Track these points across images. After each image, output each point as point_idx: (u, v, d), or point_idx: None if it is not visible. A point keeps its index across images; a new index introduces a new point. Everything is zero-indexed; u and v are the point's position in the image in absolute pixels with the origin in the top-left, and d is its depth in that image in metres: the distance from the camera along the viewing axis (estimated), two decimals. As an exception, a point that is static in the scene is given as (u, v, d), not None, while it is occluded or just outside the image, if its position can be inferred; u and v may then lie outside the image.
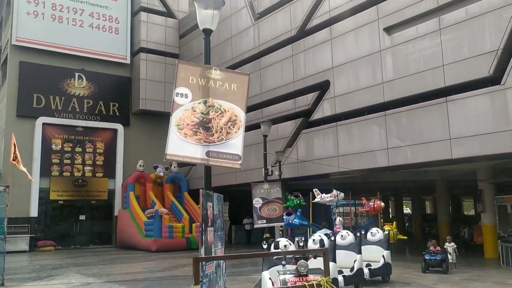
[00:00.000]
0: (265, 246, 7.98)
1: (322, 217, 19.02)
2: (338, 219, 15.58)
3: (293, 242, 8.13)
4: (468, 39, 13.61)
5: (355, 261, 9.93)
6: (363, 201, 17.03)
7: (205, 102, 5.39)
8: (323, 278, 4.73)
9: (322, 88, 18.90)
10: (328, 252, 5.57)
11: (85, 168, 26.46)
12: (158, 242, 21.68)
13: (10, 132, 19.43)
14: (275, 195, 13.49)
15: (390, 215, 38.30)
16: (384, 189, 29.58)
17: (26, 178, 16.69)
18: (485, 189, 16.76)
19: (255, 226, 13.74)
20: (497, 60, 12.83)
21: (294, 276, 5.89)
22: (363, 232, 11.38)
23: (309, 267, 6.09)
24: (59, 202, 25.77)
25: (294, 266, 6.28)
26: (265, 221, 13.16)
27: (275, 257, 7.43)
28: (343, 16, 17.99)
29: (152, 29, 28.77)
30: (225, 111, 5.44)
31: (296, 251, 7.32)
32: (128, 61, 28.63)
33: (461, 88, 13.82)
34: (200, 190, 5.03)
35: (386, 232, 12.07)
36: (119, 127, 27.65)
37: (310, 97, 19.40)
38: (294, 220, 15.55)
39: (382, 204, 16.43)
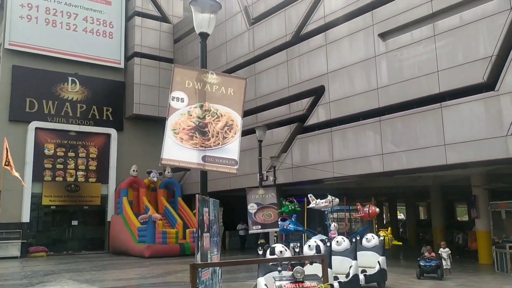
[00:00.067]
0: (260, 252, 7.92)
1: (317, 222, 18.97)
2: (333, 225, 15.53)
3: (288, 248, 8.08)
4: (463, 45, 13.68)
5: (350, 267, 9.87)
6: (358, 207, 17.00)
7: (201, 107, 5.33)
8: (322, 285, 4.66)
9: (317, 93, 18.91)
10: (325, 258, 5.51)
11: (78, 173, 26.28)
12: (151, 248, 21.51)
13: (2, 137, 19.25)
14: (270, 200, 13.42)
15: (384, 221, 38.32)
16: (378, 194, 29.60)
17: (18, 183, 16.54)
18: (479, 195, 16.79)
19: (250, 231, 13.65)
20: (491, 66, 12.90)
21: (290, 283, 5.82)
22: (358, 238, 11.34)
23: (305, 273, 6.03)
24: (52, 207, 25.56)
25: (290, 272, 6.21)
26: (260, 226, 13.08)
27: (270, 263, 7.36)
28: (338, 22, 18.04)
29: (146, 33, 28.71)
30: (221, 115, 5.38)
31: (294, 257, 7.26)
32: (122, 65, 28.54)
33: (455, 94, 13.87)
34: (196, 195, 4.96)
35: (382, 238, 12.03)
36: (113, 131, 27.50)
37: (305, 102, 19.40)
38: (289, 225, 15.48)
39: (377, 209, 16.43)
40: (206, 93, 5.38)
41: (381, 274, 11.11)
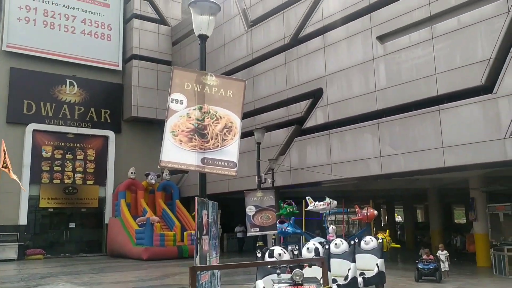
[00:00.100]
0: (259, 255, 7.89)
1: (315, 225, 18.96)
2: (331, 227, 15.52)
3: (287, 251, 8.05)
4: (461, 48, 13.71)
5: (349, 269, 9.83)
6: (356, 209, 16.98)
7: (200, 109, 5.31)
8: (321, 288, 4.64)
9: (315, 96, 18.92)
10: (324, 261, 5.49)
11: (75, 175, 26.21)
12: (149, 250, 21.46)
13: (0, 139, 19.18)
14: (269, 203, 13.39)
15: (382, 223, 38.32)
16: (376, 197, 29.61)
17: (15, 185, 16.45)
18: (477, 198, 16.81)
19: (248, 234, 13.62)
20: (489, 69, 12.93)
21: (289, 285, 5.79)
22: (357, 241, 11.31)
23: (304, 276, 6.00)
24: (49, 209, 25.46)
25: (289, 275, 6.19)
26: (258, 229, 13.05)
27: (269, 266, 7.33)
28: (336, 25, 18.07)
29: (145, 36, 28.69)
30: (220, 117, 5.37)
31: (294, 260, 7.23)
32: (120, 67, 28.52)
33: (453, 97, 13.89)
34: (196, 197, 4.94)
35: (380, 241, 12.00)
36: (111, 134, 27.44)
37: (303, 104, 19.41)
38: (287, 228, 15.45)
39: (375, 212, 16.39)
40: (205, 95, 5.37)
41: (380, 277, 11.08)
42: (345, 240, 10.79)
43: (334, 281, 9.19)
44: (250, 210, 13.15)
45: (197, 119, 5.25)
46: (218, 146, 5.25)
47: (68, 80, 26.86)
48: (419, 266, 13.01)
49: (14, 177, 13.69)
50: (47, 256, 23.78)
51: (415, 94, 14.82)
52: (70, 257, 24.47)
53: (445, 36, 14.14)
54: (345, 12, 17.70)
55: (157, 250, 21.70)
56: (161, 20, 29.79)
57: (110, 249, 24.92)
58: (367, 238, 11.85)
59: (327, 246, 8.85)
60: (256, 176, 16.21)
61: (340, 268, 9.82)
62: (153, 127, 28.66)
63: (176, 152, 5.06)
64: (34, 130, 25.14)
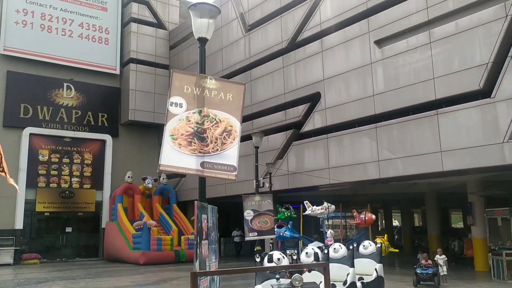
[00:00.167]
0: (258, 259, 7.82)
1: (312, 229, 18.91)
2: (330, 232, 15.47)
3: (286, 255, 7.99)
4: (459, 53, 13.73)
5: (348, 274, 9.78)
6: (354, 214, 16.95)
7: (200, 112, 5.28)
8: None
9: (313, 100, 18.91)
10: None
11: (72, 179, 26.07)
12: (146, 255, 21.35)
13: (-4, 142, 19.06)
14: (267, 207, 13.32)
15: (379, 228, 38.27)
16: (373, 201, 29.57)
17: (11, 189, 16.36)
18: (475, 202, 16.80)
19: (247, 238, 13.54)
20: (487, 73, 12.95)
21: (289, 291, 5.75)
22: (355, 245, 11.26)
23: (304, 281, 5.95)
24: (45, 214, 25.32)
25: (288, 280, 6.14)
26: (256, 233, 12.98)
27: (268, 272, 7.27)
28: (334, 29, 18.08)
29: (142, 40, 28.66)
30: (220, 121, 5.33)
31: (295, 265, 7.18)
32: (117, 71, 28.46)
33: (451, 101, 13.90)
34: (195, 201, 4.89)
35: (379, 245, 11.95)
36: (108, 138, 27.34)
37: (301, 109, 19.39)
38: (285, 232, 15.41)
39: (373, 216, 16.36)
40: (205, 99, 5.33)
41: (379, 282, 11.01)
42: (344, 244, 10.74)
43: (333, 286, 9.13)
44: (248, 214, 13.08)
45: (197, 123, 5.21)
46: (217, 150, 5.22)
47: (65, 84, 26.79)
48: (418, 271, 12.96)
49: (12, 181, 13.62)
50: (43, 260, 23.63)
51: (413, 98, 14.82)
52: (66, 261, 24.32)
53: (443, 41, 14.16)
54: (343, 17, 17.73)
55: (154, 254, 21.60)
56: (159, 24, 29.78)
57: (107, 254, 24.79)
58: (366, 242, 11.78)
59: (326, 251, 8.79)
60: (254, 180, 16.17)
61: (339, 273, 9.75)
62: (151, 131, 28.60)
63: (175, 156, 5.02)
64: (30, 134, 25.02)
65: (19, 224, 23.68)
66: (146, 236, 22.06)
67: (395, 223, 42.58)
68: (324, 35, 18.55)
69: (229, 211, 21.71)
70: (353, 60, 17.08)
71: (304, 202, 16.88)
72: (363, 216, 16.16)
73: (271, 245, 17.09)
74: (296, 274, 5.99)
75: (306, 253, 8.83)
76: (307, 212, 16.64)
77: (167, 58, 29.35)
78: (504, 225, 15.61)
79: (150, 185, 26.08)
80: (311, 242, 13.65)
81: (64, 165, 25.93)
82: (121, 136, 28.23)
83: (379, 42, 16.27)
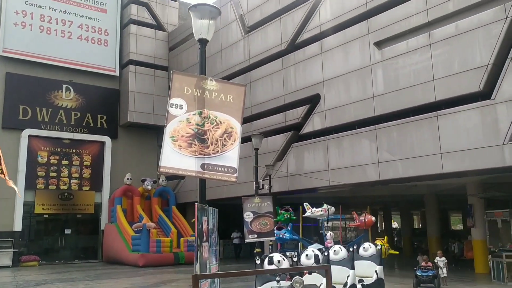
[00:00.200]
0: (258, 262, 7.79)
1: (312, 231, 18.87)
2: (329, 234, 15.43)
3: (286, 257, 7.96)
4: (458, 54, 13.72)
5: (348, 276, 9.75)
6: (354, 216, 16.92)
7: (200, 113, 5.25)
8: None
9: (312, 101, 18.89)
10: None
11: (71, 181, 26.01)
12: (145, 257, 21.29)
13: (-5, 144, 19.02)
14: (266, 209, 13.29)
15: (379, 230, 38.22)
16: (373, 203, 29.54)
17: (10, 191, 16.33)
18: (475, 204, 16.78)
19: (246, 240, 13.51)
20: (487, 75, 12.93)
21: (290, 293, 5.73)
22: (355, 247, 11.23)
23: (304, 283, 5.93)
24: (44, 215, 25.25)
25: (289, 282, 6.12)
26: (256, 235, 12.94)
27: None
28: (334, 30, 18.07)
29: (142, 41, 28.63)
30: (220, 122, 5.30)
31: (297, 267, 7.16)
32: (117, 73, 28.42)
33: (451, 103, 13.88)
34: (196, 203, 4.86)
35: (379, 247, 11.92)
36: (107, 139, 27.29)
37: (301, 110, 19.37)
38: (285, 234, 15.37)
39: (373, 218, 16.35)
40: (205, 100, 5.30)
41: (379, 284, 10.98)
42: (344, 246, 10.71)
43: (333, 288, 9.10)
44: (248, 216, 13.04)
45: (197, 124, 5.18)
46: (218, 151, 5.19)
47: (64, 86, 26.74)
48: (418, 273, 12.91)
49: (11, 183, 13.57)
50: (42, 262, 23.55)
51: (413, 100, 14.81)
52: (65, 263, 24.24)
53: (443, 42, 14.15)
54: (343, 18, 17.71)
55: (153, 256, 21.54)
56: (158, 26, 29.76)
57: (106, 256, 24.72)
58: (366, 244, 11.75)
59: (326, 253, 8.76)
60: (254, 182, 16.14)
61: (339, 275, 9.72)
62: (150, 133, 28.57)
63: (175, 158, 4.99)
64: (29, 136, 24.95)
65: (18, 226, 23.61)
66: (145, 238, 22.00)
67: (395, 225, 42.53)
68: (323, 37, 18.54)
69: (229, 213, 21.65)
70: (353, 61, 17.07)
71: (304, 204, 16.84)
72: (363, 218, 16.14)
73: (270, 247, 17.06)
74: (297, 276, 5.98)
75: (306, 255, 8.81)
76: (306, 214, 16.61)
77: (166, 59, 29.33)
78: (504, 227, 15.58)
79: (149, 187, 26.03)
80: (311, 244, 13.61)
81: (63, 167, 25.88)
82: (120, 137, 28.18)
83: (379, 44, 16.26)
